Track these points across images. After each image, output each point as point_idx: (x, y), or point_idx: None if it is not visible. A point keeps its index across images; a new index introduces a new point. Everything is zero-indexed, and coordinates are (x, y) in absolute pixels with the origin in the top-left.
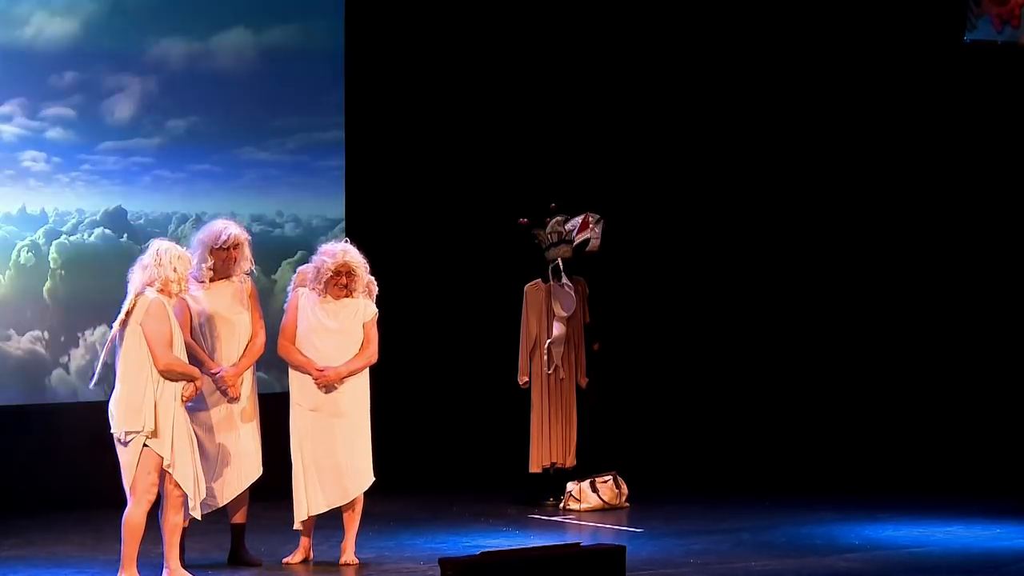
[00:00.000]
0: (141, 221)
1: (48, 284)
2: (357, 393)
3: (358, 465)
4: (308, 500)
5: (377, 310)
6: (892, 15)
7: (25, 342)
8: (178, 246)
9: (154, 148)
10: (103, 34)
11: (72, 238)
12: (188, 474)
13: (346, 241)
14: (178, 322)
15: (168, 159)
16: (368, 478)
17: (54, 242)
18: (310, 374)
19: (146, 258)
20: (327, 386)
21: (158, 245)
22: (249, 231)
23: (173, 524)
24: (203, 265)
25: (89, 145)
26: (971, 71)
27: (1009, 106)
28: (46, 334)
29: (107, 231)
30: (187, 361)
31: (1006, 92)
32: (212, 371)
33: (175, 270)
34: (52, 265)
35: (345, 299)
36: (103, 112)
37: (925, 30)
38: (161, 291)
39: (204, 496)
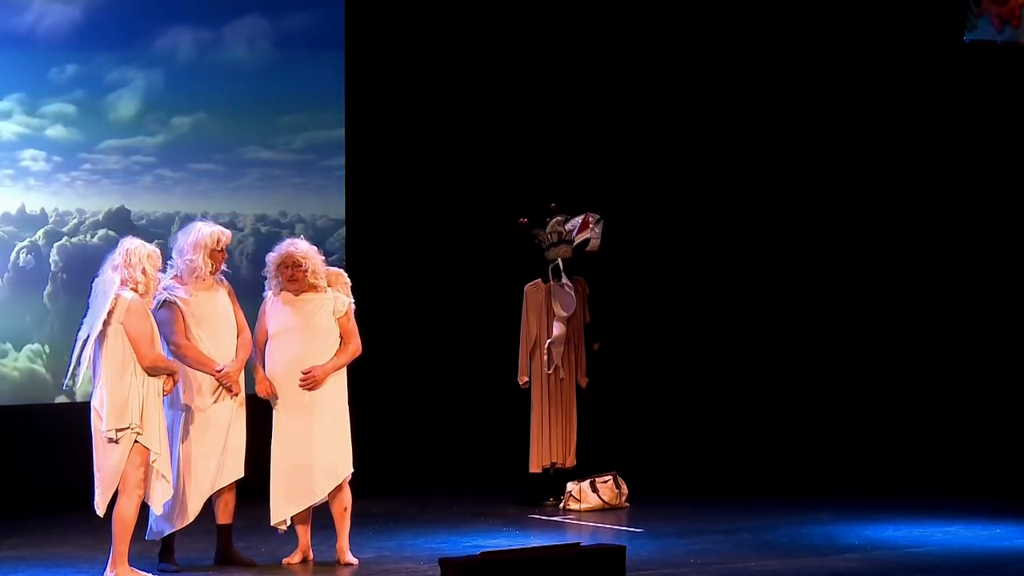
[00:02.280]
0: (143, 222)
1: (49, 288)
2: (331, 389)
3: (332, 461)
4: (277, 504)
5: (351, 301)
6: (892, 15)
7: (23, 359)
8: (147, 244)
9: (156, 147)
10: (107, 22)
11: (74, 239)
12: (168, 466)
13: (301, 237)
14: (171, 327)
15: (170, 158)
16: (343, 472)
17: (55, 244)
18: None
19: (116, 258)
20: (304, 386)
21: (127, 244)
22: (258, 232)
23: (128, 517)
24: (205, 268)
25: (90, 143)
26: (971, 71)
27: (1009, 106)
28: (47, 348)
29: (110, 232)
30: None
31: (1006, 92)
32: (216, 369)
33: (144, 271)
34: (53, 268)
35: (309, 295)
36: (105, 108)
37: (925, 30)
38: (133, 290)
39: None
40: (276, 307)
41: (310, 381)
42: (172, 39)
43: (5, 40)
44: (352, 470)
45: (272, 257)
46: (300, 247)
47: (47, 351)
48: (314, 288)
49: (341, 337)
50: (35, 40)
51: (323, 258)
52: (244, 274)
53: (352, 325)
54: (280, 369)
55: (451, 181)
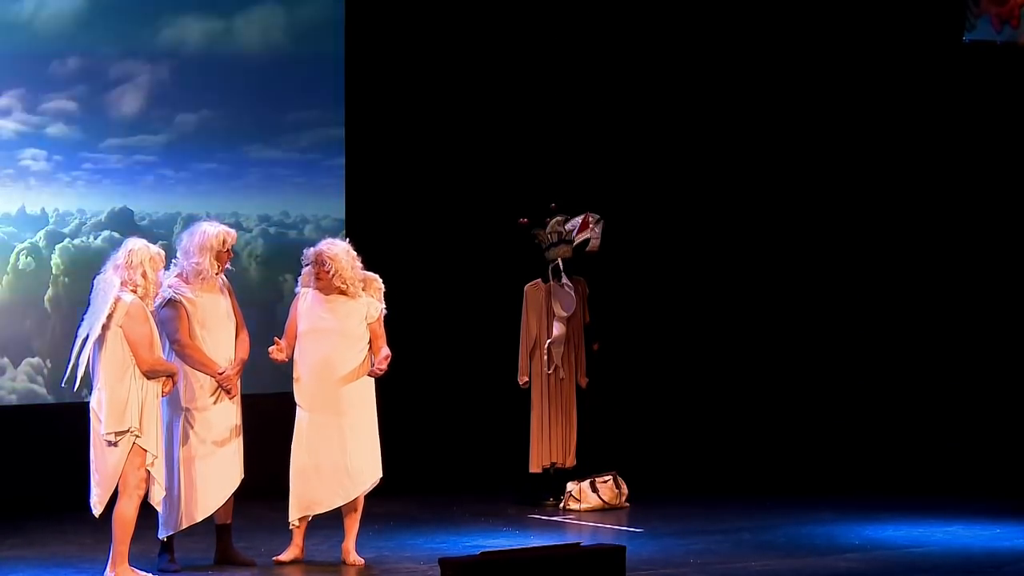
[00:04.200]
0: (145, 222)
1: (50, 292)
2: (360, 393)
3: (359, 466)
4: (297, 502)
5: (383, 307)
6: (892, 15)
7: (22, 378)
8: (152, 246)
9: (160, 146)
10: (112, 9)
11: (76, 241)
12: (163, 469)
13: (345, 238)
14: (175, 325)
15: (173, 157)
16: (371, 478)
17: (57, 246)
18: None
19: (118, 258)
20: (329, 386)
21: (131, 245)
22: (267, 233)
23: (128, 517)
24: (211, 270)
25: (92, 142)
26: (970, 71)
27: (1009, 106)
28: (48, 363)
29: (114, 234)
30: (170, 360)
31: (1006, 92)
32: (218, 371)
33: (144, 274)
34: (54, 271)
35: (342, 298)
36: (108, 105)
37: (925, 30)
38: (133, 292)
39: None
40: (309, 304)
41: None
42: (180, 29)
43: (4, 30)
44: (380, 475)
45: (306, 251)
46: (332, 249)
47: (48, 366)
48: (341, 292)
49: (370, 342)
50: (35, 30)
51: (359, 264)
52: (253, 276)
53: (382, 331)
54: (308, 369)
55: (451, 181)
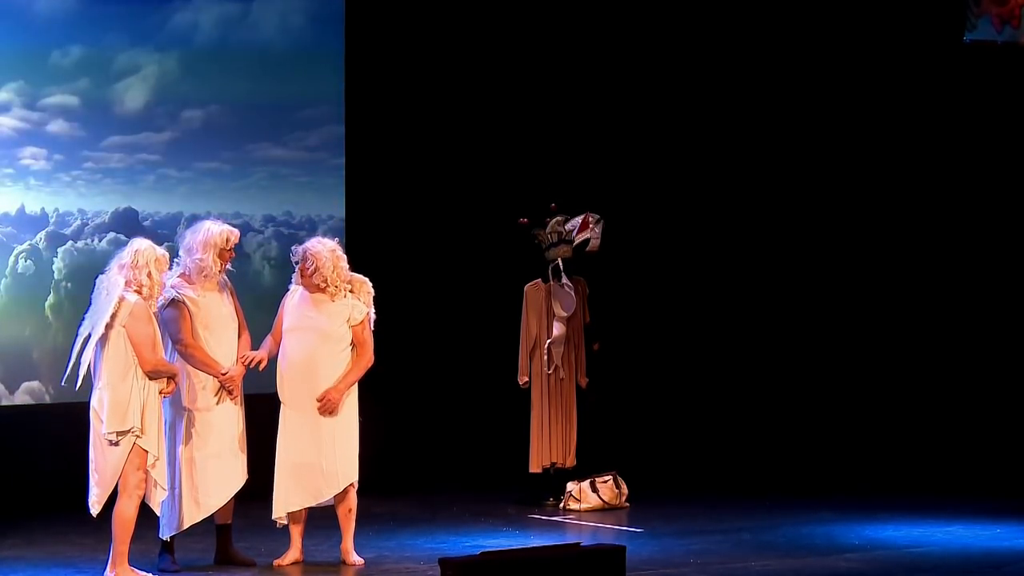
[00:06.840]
0: (148, 223)
1: (51, 298)
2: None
3: (333, 468)
4: (278, 498)
5: (368, 311)
6: (892, 15)
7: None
8: (158, 247)
9: (163, 144)
10: None
11: (79, 244)
12: (165, 470)
13: (335, 239)
14: (179, 325)
15: (176, 156)
16: (344, 480)
17: (59, 248)
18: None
19: (124, 257)
20: (309, 386)
21: (137, 245)
22: (280, 235)
23: (127, 517)
24: (214, 268)
25: (93, 141)
26: (971, 71)
27: (1009, 106)
28: (50, 389)
29: (120, 236)
30: (172, 361)
31: (1006, 92)
32: (221, 372)
33: (149, 275)
34: (56, 275)
35: (326, 298)
36: (111, 100)
37: (925, 30)
38: (137, 292)
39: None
40: (296, 302)
41: (326, 405)
42: (193, 14)
43: (2, 17)
44: (355, 479)
45: (295, 248)
46: (316, 247)
47: (50, 392)
48: (320, 290)
49: (354, 346)
50: (35, 15)
51: (344, 265)
52: (267, 278)
53: (367, 335)
54: (291, 367)
55: (451, 181)
